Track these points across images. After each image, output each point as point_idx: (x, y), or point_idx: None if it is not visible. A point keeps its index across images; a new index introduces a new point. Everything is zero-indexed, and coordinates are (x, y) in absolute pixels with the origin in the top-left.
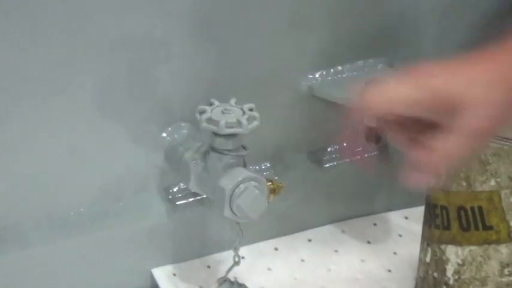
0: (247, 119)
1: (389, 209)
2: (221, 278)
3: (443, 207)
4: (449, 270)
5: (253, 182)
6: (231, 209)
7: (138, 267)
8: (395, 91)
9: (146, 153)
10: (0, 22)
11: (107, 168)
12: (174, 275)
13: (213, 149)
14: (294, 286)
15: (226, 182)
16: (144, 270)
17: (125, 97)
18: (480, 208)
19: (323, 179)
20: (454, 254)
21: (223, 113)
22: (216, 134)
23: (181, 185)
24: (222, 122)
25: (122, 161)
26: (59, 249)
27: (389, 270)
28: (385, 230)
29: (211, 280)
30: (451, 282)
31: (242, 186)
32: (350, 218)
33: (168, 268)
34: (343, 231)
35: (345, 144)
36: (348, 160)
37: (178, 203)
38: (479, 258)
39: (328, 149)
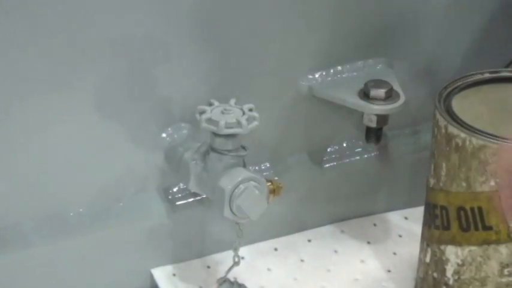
0: (247, 119)
1: (389, 209)
2: (221, 278)
3: (443, 208)
4: (449, 270)
5: (253, 182)
6: (231, 210)
7: (137, 267)
8: None
9: (146, 154)
10: (0, 22)
11: (107, 168)
12: (174, 275)
13: (213, 149)
14: (293, 286)
15: (226, 182)
16: (144, 270)
17: (125, 97)
18: (480, 208)
19: (323, 179)
20: (453, 254)
21: (223, 113)
22: (215, 134)
23: (181, 185)
24: (222, 123)
25: (121, 161)
26: (59, 249)
27: (389, 271)
28: (384, 230)
29: (211, 280)
30: (450, 282)
31: (242, 186)
32: (350, 218)
33: (168, 268)
34: (342, 232)
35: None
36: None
37: (178, 203)
38: (479, 259)
39: (328, 149)
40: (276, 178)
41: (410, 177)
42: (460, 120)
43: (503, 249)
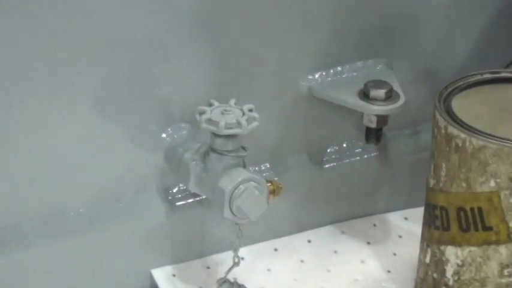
0: (247, 120)
1: (389, 209)
2: (221, 278)
3: (442, 208)
4: (449, 271)
5: (252, 183)
6: (231, 210)
7: (137, 267)
8: None
9: (146, 154)
10: (0, 22)
11: (107, 168)
12: (174, 275)
13: (213, 149)
14: (293, 286)
15: (226, 183)
16: (144, 270)
17: (125, 97)
18: (480, 209)
19: (323, 179)
20: (453, 255)
21: (222, 113)
22: (215, 135)
23: (181, 186)
24: (222, 123)
25: (121, 161)
26: (59, 249)
27: (388, 271)
28: (384, 231)
29: (211, 281)
30: (450, 283)
31: (242, 187)
32: (350, 218)
33: (168, 269)
34: (342, 232)
35: None
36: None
37: (178, 203)
38: (478, 259)
39: (328, 150)
40: (276, 178)
41: (410, 177)
42: (460, 120)
43: (503, 249)
